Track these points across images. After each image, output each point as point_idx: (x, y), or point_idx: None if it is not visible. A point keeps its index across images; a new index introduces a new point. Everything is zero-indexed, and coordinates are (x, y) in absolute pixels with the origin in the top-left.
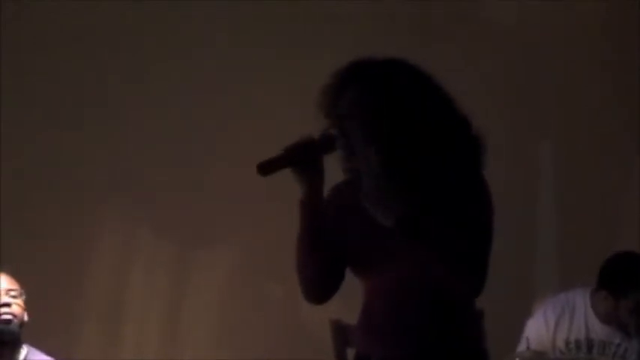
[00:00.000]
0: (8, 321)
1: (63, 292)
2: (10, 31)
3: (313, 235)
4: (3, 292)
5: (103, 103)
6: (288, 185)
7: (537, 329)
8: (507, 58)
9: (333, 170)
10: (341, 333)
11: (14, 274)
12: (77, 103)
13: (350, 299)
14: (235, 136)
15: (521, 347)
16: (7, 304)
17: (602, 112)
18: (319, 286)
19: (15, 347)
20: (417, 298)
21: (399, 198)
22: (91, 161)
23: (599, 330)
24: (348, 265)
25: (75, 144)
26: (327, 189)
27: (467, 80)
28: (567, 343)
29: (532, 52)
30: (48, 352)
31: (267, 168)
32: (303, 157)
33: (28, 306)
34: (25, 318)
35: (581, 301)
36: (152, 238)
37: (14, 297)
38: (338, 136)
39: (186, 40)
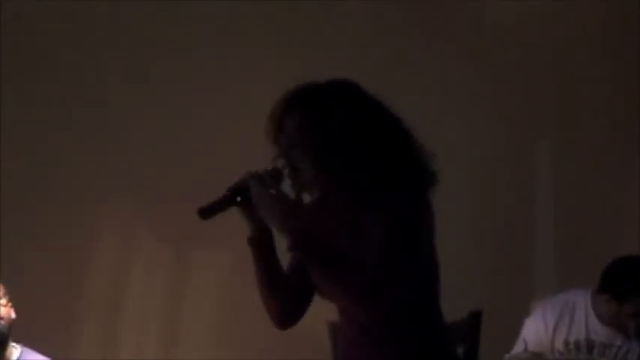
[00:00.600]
0: None
1: (62, 292)
2: (10, 31)
3: (265, 270)
4: None
5: (102, 104)
6: (288, 186)
7: (536, 330)
8: (506, 58)
9: None
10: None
11: (14, 274)
12: (77, 104)
13: None
14: (235, 137)
15: (518, 348)
16: None
17: (601, 112)
18: (277, 317)
19: (4, 347)
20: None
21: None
22: (91, 162)
23: (600, 331)
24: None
25: (74, 144)
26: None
27: (466, 80)
28: (567, 343)
29: (531, 51)
30: (47, 352)
31: (207, 212)
32: (243, 199)
33: (28, 306)
34: (13, 316)
35: (581, 301)
36: (151, 239)
37: None
38: (284, 166)
39: (186, 40)
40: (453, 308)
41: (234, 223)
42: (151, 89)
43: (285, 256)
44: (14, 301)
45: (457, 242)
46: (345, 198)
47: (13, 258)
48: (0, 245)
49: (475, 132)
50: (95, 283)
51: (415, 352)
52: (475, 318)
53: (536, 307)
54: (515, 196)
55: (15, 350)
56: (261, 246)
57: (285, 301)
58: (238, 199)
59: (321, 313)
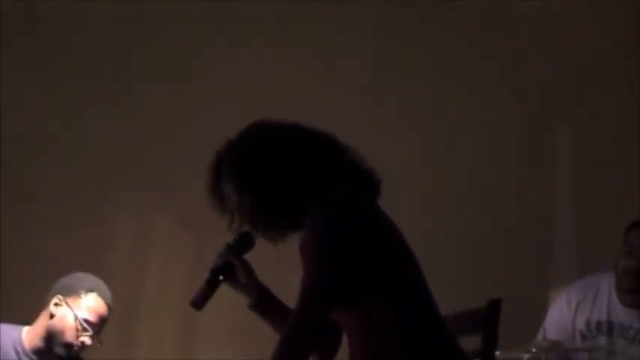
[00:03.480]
0: None
1: None
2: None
3: (275, 326)
4: None
5: (123, 91)
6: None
7: (560, 309)
8: (525, 41)
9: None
10: None
11: (32, 264)
12: (95, 92)
13: None
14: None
15: (540, 335)
16: None
17: (621, 97)
18: (316, 357)
19: None
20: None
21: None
22: (109, 150)
23: (620, 313)
24: None
25: (92, 132)
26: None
27: (484, 65)
28: (588, 324)
29: (551, 35)
30: None
31: (198, 303)
32: (225, 276)
33: (45, 296)
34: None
35: (605, 283)
36: (170, 228)
37: None
38: (249, 230)
39: (207, 32)
40: (472, 296)
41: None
42: (170, 78)
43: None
44: (31, 292)
45: (477, 230)
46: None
47: (30, 249)
48: (17, 236)
49: (495, 120)
50: (113, 272)
51: None
52: (494, 306)
53: (556, 295)
54: (536, 184)
55: None
56: (265, 307)
57: (314, 341)
58: (221, 277)
59: None
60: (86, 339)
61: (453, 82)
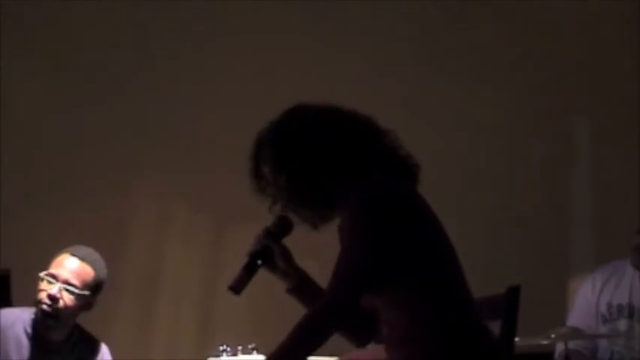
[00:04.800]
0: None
1: None
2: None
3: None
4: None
5: (145, 77)
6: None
7: (584, 292)
8: (545, 35)
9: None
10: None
11: (52, 248)
12: (115, 77)
13: None
14: (271, 113)
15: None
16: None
17: (638, 88)
18: (354, 342)
19: None
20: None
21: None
22: (127, 137)
23: None
24: None
25: (111, 118)
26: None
27: (500, 56)
28: (609, 306)
29: (568, 27)
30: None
31: (237, 288)
32: (263, 261)
33: None
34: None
35: (631, 268)
36: (189, 212)
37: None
38: (288, 212)
39: (224, 17)
40: (490, 283)
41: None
42: (190, 64)
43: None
44: None
45: (496, 219)
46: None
47: (52, 232)
48: (36, 222)
49: (512, 111)
50: (132, 256)
51: (437, 349)
52: (513, 293)
53: (576, 284)
54: (554, 174)
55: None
56: (302, 292)
57: (352, 323)
58: (259, 262)
59: None
60: (51, 290)
61: (469, 74)
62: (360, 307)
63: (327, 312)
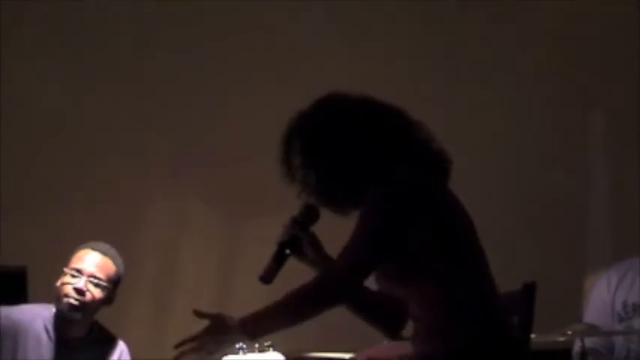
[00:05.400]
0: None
1: None
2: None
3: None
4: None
5: (158, 76)
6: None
7: (599, 290)
8: (560, 28)
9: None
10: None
11: (67, 244)
12: (129, 76)
13: None
14: (288, 111)
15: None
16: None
17: None
18: (385, 330)
19: None
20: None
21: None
22: (142, 133)
23: None
24: None
25: (127, 116)
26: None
27: (515, 49)
28: (624, 305)
29: (584, 18)
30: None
31: (267, 277)
32: (292, 250)
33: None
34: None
35: None
36: (204, 208)
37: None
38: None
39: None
40: (507, 280)
41: (285, 195)
42: (201, 63)
43: None
44: None
45: (512, 214)
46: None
47: (68, 229)
48: (50, 218)
49: (529, 105)
50: (147, 253)
51: (460, 334)
52: (530, 290)
53: (591, 281)
54: (570, 169)
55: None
56: None
57: (384, 314)
58: (287, 252)
59: (374, 285)
60: (78, 283)
61: (481, 70)
62: (392, 297)
63: (325, 283)
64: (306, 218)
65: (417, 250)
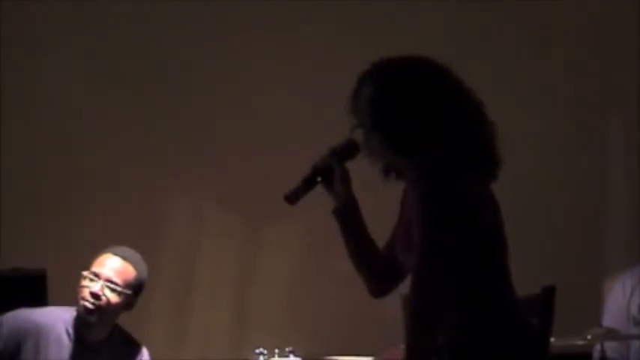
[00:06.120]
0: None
1: None
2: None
3: (351, 241)
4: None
5: (175, 76)
6: (358, 161)
7: (615, 295)
8: (579, 30)
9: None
10: None
11: (87, 247)
12: (150, 79)
13: None
14: (305, 114)
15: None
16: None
17: None
18: (370, 287)
19: None
20: None
21: None
22: (160, 137)
23: None
24: None
25: (145, 118)
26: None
27: (536, 52)
28: None
29: (604, 20)
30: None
31: (292, 198)
32: (323, 178)
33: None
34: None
35: None
36: (222, 214)
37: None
38: (359, 138)
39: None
40: (525, 283)
41: (306, 196)
42: (218, 64)
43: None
44: None
45: (530, 219)
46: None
47: (87, 232)
48: (70, 221)
49: (549, 105)
50: (166, 256)
51: (476, 325)
52: (549, 293)
53: (609, 284)
54: (586, 172)
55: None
56: (347, 217)
57: (375, 271)
58: (319, 179)
59: None
60: (94, 287)
61: (501, 72)
62: (394, 260)
63: (426, 289)
64: (345, 151)
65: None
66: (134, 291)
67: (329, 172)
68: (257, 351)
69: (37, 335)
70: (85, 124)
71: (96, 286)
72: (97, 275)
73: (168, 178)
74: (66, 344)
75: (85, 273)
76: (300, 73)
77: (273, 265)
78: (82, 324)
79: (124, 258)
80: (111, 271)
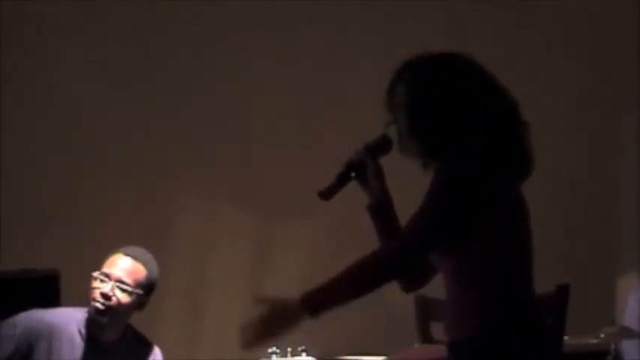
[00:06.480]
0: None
1: None
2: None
3: (383, 236)
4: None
5: (188, 75)
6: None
7: (634, 296)
8: (591, 30)
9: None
10: (424, 307)
11: (98, 250)
12: (164, 74)
13: None
14: (318, 114)
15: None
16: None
17: None
18: (402, 283)
19: None
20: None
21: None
22: (174, 134)
23: None
24: None
25: (157, 117)
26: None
27: (547, 54)
28: None
29: (616, 22)
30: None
31: (327, 194)
32: (357, 174)
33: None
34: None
35: None
36: (234, 214)
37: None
38: (393, 133)
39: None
40: (539, 282)
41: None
42: (236, 60)
43: None
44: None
45: (544, 217)
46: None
47: (100, 232)
48: (86, 220)
49: (559, 108)
50: (179, 256)
51: (490, 319)
52: (563, 291)
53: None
54: (601, 171)
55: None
56: (380, 213)
57: (405, 272)
58: (353, 174)
59: None
60: (104, 288)
61: (515, 71)
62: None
63: (386, 256)
64: (379, 146)
65: (470, 235)
66: (145, 291)
67: (363, 168)
68: (269, 350)
69: (49, 336)
70: (98, 126)
71: (106, 287)
72: (107, 276)
73: (180, 177)
74: (78, 344)
75: (96, 274)
76: (310, 73)
77: (286, 264)
78: (93, 325)
79: (135, 258)
80: (121, 271)
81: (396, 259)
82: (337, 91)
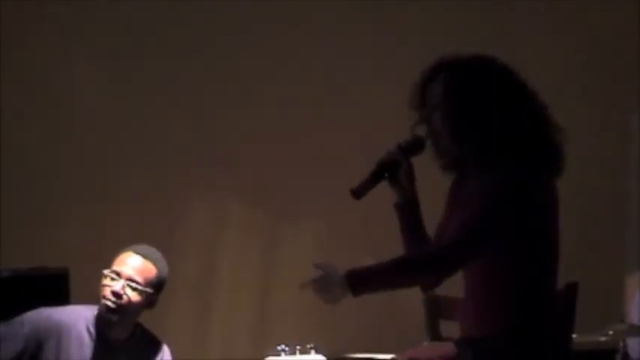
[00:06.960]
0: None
1: None
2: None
3: (407, 234)
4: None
5: (196, 74)
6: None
7: None
8: (602, 30)
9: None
10: (433, 305)
11: (107, 248)
12: (173, 73)
13: None
14: (325, 112)
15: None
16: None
17: None
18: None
19: None
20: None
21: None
22: (182, 134)
23: None
24: None
25: (167, 116)
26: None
27: (558, 54)
28: None
29: (622, 20)
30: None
31: (359, 193)
32: (390, 173)
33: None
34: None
35: None
36: (242, 212)
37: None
38: (425, 134)
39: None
40: None
41: (323, 196)
42: (245, 60)
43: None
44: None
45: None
46: (472, 168)
47: (109, 230)
48: (96, 215)
49: (568, 108)
50: (188, 254)
51: (508, 318)
52: (571, 290)
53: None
54: (609, 168)
55: None
56: (408, 212)
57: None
58: (385, 174)
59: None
60: (115, 286)
61: (525, 71)
62: None
63: (449, 250)
64: (411, 147)
65: (506, 236)
66: (155, 289)
67: (394, 167)
68: (278, 347)
69: (58, 334)
70: (107, 123)
71: (117, 285)
72: (118, 274)
73: (189, 176)
74: (87, 343)
75: (106, 272)
76: (318, 74)
77: (293, 263)
78: (103, 323)
79: (145, 256)
80: (132, 269)
81: (457, 254)
82: (346, 91)
